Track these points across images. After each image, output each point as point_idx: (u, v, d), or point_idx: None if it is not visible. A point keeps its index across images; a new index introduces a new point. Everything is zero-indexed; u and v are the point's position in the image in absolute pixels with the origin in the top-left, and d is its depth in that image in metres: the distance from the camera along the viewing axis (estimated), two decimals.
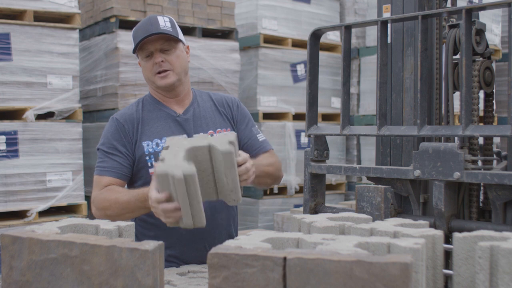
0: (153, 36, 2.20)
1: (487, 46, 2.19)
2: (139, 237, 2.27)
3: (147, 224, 2.29)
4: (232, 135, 1.82)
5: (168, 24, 2.26)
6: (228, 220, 2.36)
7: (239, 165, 1.87)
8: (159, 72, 2.24)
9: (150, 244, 1.16)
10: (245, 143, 2.38)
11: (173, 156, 1.72)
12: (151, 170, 2.26)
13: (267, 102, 5.79)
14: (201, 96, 2.43)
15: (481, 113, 2.39)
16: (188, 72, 2.36)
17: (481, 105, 2.30)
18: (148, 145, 2.27)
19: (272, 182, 2.37)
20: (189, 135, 2.25)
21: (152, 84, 2.31)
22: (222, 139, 1.80)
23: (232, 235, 2.36)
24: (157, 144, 2.26)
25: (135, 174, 2.31)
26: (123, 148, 2.25)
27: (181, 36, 2.31)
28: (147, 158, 2.27)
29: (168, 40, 2.24)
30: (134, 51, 2.29)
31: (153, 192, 1.79)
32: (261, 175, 2.17)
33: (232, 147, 1.78)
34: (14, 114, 4.20)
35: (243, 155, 1.91)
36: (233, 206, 2.40)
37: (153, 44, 2.23)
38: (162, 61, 2.23)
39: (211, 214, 2.30)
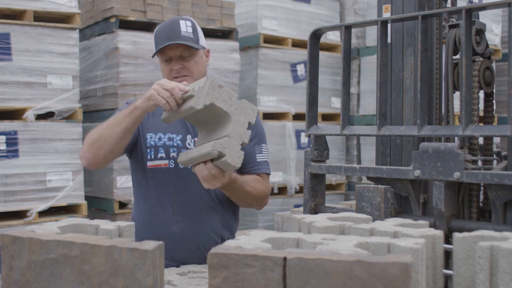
0: (173, 44, 2.22)
1: (487, 46, 2.19)
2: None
3: (144, 224, 2.29)
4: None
5: (190, 30, 2.27)
6: (223, 225, 2.35)
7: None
8: (176, 77, 2.25)
9: (150, 244, 1.16)
10: None
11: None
12: (149, 163, 2.27)
13: (267, 102, 5.79)
14: None
15: (481, 113, 2.39)
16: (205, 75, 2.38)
17: (481, 105, 2.30)
18: (151, 137, 2.29)
19: (251, 204, 2.37)
20: (194, 133, 2.29)
21: None
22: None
23: (225, 240, 2.36)
24: (160, 138, 2.28)
25: (135, 167, 2.33)
26: None
27: (202, 41, 2.32)
28: (148, 150, 2.28)
29: (188, 48, 2.25)
30: (152, 56, 2.32)
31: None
32: (238, 189, 2.20)
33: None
34: (14, 114, 4.20)
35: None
36: (230, 213, 2.38)
37: (173, 50, 2.25)
38: (180, 68, 2.25)
39: (207, 216, 2.29)
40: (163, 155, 2.28)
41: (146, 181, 2.31)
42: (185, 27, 2.26)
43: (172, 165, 2.27)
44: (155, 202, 2.29)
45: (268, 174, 2.39)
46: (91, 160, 2.18)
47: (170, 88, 1.98)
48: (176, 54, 2.25)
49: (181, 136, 2.30)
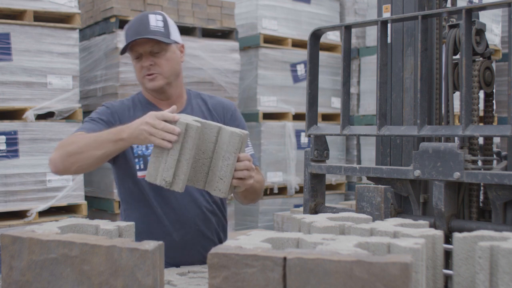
0: (141, 39, 2.11)
1: (487, 46, 2.19)
2: None
3: (139, 233, 2.24)
4: (244, 132, 1.84)
5: (160, 24, 2.16)
6: (219, 225, 2.33)
7: (240, 161, 1.84)
8: (148, 74, 2.17)
9: (150, 244, 1.16)
10: None
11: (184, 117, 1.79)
12: (139, 174, 2.18)
13: (267, 102, 5.80)
14: (196, 99, 2.34)
15: (481, 113, 2.39)
16: (180, 74, 2.28)
17: (481, 105, 2.30)
18: (137, 146, 2.19)
19: (254, 200, 2.29)
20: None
21: (142, 86, 2.26)
22: (234, 128, 1.83)
23: (222, 240, 2.34)
24: (147, 147, 2.18)
25: (122, 175, 2.24)
26: (109, 121, 2.18)
27: (174, 36, 2.21)
28: (136, 160, 2.19)
29: (158, 43, 2.15)
30: (122, 52, 2.20)
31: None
32: (249, 190, 2.08)
33: (242, 135, 1.79)
34: (14, 114, 4.20)
35: (247, 156, 1.88)
36: (223, 213, 2.36)
37: (142, 46, 2.14)
38: (150, 65, 2.15)
39: (206, 219, 2.26)
40: None
41: (140, 191, 2.21)
42: (154, 21, 2.14)
43: None
44: (150, 212, 2.20)
45: (258, 166, 2.33)
46: (61, 170, 2.06)
47: (162, 128, 1.77)
48: (146, 50, 2.14)
49: None
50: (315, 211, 2.27)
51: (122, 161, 2.21)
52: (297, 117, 5.93)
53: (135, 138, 1.87)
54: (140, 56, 2.16)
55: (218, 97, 2.40)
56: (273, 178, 5.78)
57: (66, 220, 1.47)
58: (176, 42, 2.22)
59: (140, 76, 2.19)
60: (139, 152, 2.18)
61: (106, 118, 2.20)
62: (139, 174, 2.19)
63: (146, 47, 2.14)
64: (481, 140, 2.26)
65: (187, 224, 2.23)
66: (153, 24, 2.13)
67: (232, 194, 1.99)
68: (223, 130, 1.80)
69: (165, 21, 2.19)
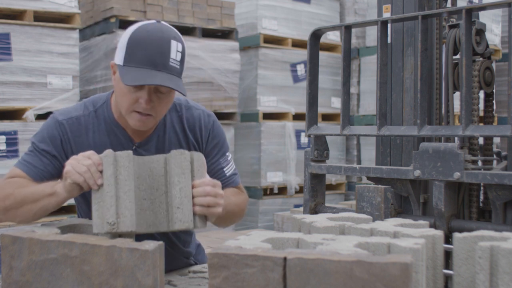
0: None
1: (487, 46, 2.19)
2: None
3: None
4: (197, 154, 1.62)
5: (179, 57, 1.77)
6: (192, 237, 2.14)
7: (197, 187, 1.59)
8: (139, 112, 1.77)
9: (150, 244, 1.16)
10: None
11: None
12: None
13: (267, 102, 5.80)
14: (171, 117, 1.96)
15: (481, 113, 2.39)
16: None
17: (481, 105, 2.30)
18: None
19: (234, 223, 2.07)
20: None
21: (122, 112, 1.82)
22: (181, 150, 1.61)
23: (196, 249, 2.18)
24: None
25: (82, 203, 1.99)
26: (58, 156, 1.87)
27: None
28: None
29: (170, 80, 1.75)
30: (121, 80, 1.73)
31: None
32: (224, 216, 1.78)
33: (187, 152, 1.58)
34: (14, 114, 4.20)
35: (209, 180, 1.63)
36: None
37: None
38: (150, 106, 1.76)
39: (177, 234, 2.05)
40: None
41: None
42: (175, 52, 1.75)
43: None
44: None
45: (239, 184, 2.09)
46: (5, 221, 1.84)
47: (88, 165, 1.54)
48: (153, 87, 1.75)
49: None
50: (315, 211, 2.27)
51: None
52: (297, 117, 5.93)
53: (64, 181, 1.63)
54: (142, 87, 1.75)
55: (196, 109, 2.01)
56: (273, 178, 5.78)
57: (66, 220, 1.47)
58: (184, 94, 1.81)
59: (130, 108, 1.78)
60: None
61: (51, 148, 1.86)
62: None
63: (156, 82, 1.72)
64: (481, 140, 2.26)
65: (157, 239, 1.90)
66: (173, 57, 1.75)
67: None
68: (169, 156, 1.58)
69: (183, 54, 1.80)
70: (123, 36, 1.79)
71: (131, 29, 1.79)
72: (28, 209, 1.74)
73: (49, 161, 1.86)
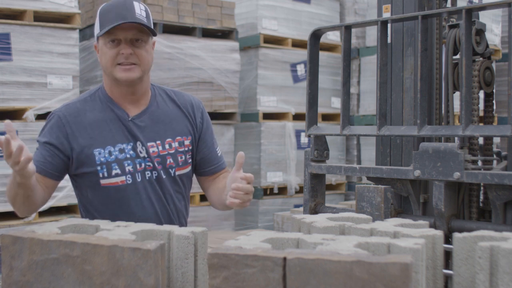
0: (127, 23, 1.93)
1: (487, 46, 2.19)
2: None
3: None
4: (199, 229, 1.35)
5: (144, 14, 1.99)
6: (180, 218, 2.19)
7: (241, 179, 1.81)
8: (122, 63, 1.96)
9: (152, 244, 1.16)
10: (203, 158, 2.16)
11: None
12: (102, 182, 2.02)
13: (267, 102, 5.80)
14: (161, 95, 2.16)
15: (481, 113, 2.39)
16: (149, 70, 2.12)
17: (481, 105, 2.30)
18: (100, 153, 2.02)
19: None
20: (143, 144, 2.04)
21: (110, 75, 2.01)
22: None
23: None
24: (110, 153, 2.03)
25: (84, 185, 2.09)
26: (58, 144, 2.04)
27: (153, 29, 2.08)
28: (99, 168, 2.02)
29: (142, 32, 1.97)
30: (98, 35, 1.98)
31: None
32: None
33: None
34: (14, 114, 4.20)
35: (251, 177, 1.84)
36: (186, 219, 2.19)
37: (125, 32, 1.95)
38: (130, 54, 1.96)
39: (168, 216, 2.13)
40: (118, 171, 2.02)
41: (101, 200, 2.06)
42: (139, 9, 1.98)
43: (129, 180, 2.03)
44: (112, 220, 2.01)
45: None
46: (21, 214, 2.02)
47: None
48: (127, 36, 1.95)
49: (131, 144, 2.04)
50: (315, 211, 2.27)
51: (85, 170, 2.05)
52: (297, 117, 5.93)
53: (21, 177, 1.77)
54: (118, 42, 1.96)
55: (184, 93, 2.23)
56: (273, 178, 5.78)
57: (66, 220, 1.47)
58: (155, 35, 2.06)
59: (112, 64, 1.97)
60: (102, 159, 2.02)
61: (55, 140, 2.05)
62: (102, 182, 2.03)
63: (129, 33, 1.96)
64: (481, 140, 2.27)
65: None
66: (138, 12, 1.97)
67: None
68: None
69: (147, 12, 2.03)
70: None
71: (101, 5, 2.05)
72: (20, 199, 1.90)
73: (49, 152, 2.03)
